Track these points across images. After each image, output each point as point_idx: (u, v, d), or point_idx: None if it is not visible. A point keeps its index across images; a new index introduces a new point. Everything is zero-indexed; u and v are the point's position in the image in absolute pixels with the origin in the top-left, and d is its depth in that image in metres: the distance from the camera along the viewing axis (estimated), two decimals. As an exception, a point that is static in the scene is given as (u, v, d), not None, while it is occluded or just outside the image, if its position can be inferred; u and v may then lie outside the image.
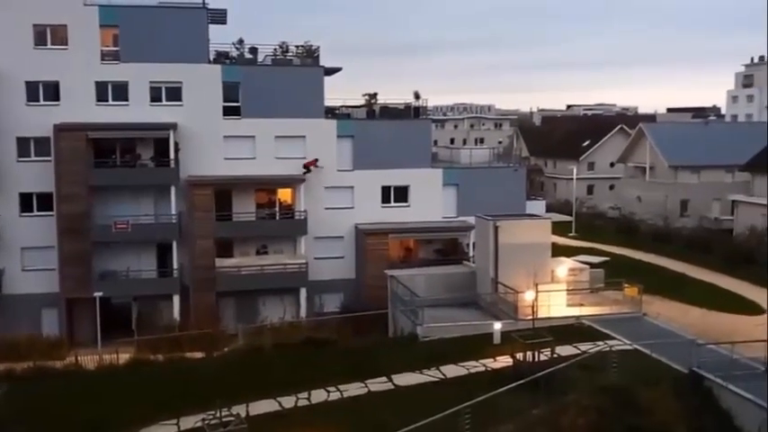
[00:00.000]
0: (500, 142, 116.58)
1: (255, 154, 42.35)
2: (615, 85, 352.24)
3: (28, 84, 40.09)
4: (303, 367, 26.54)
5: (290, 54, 45.58)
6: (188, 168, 41.09)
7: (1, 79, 39.30)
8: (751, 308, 42.42)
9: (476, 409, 20.45)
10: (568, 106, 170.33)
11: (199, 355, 31.27)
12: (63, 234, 39.70)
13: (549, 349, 25.13)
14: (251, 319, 39.00)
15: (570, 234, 66.86)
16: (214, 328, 36.33)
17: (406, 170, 43.96)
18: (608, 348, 26.89)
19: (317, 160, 42.64)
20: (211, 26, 42.55)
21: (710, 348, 25.69)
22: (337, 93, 48.90)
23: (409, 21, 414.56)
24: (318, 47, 45.66)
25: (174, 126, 40.65)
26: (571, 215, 69.85)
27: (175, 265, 40.73)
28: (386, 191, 44.26)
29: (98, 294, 36.42)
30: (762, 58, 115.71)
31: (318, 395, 24.00)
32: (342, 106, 46.80)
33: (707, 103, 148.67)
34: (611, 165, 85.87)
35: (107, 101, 40.90)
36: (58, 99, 40.37)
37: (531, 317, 30.08)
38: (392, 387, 24.76)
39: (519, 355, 25.00)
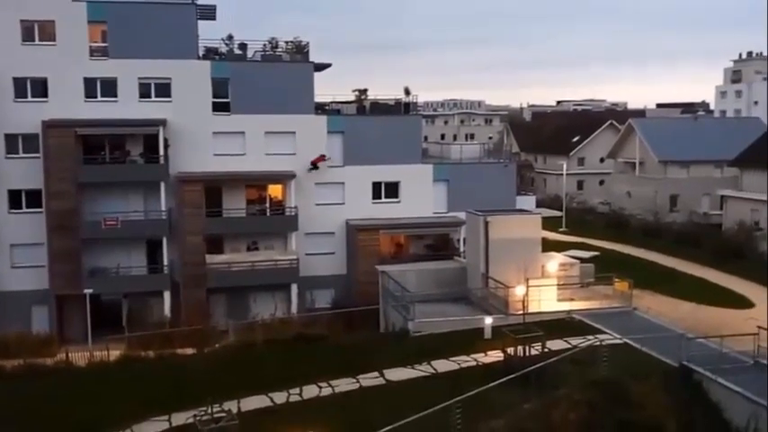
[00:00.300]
0: (490, 138, 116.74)
1: (245, 150, 42.22)
2: (604, 82, 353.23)
3: (16, 80, 39.83)
4: (294, 363, 26.50)
5: (280, 50, 45.37)
6: (177, 165, 40.94)
7: (-12, 75, 39.10)
8: (740, 302, 42.61)
9: (467, 404, 20.50)
10: (558, 102, 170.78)
11: (190, 351, 31.18)
12: (52, 231, 39.50)
13: (539, 344, 25.22)
14: (242, 315, 38.93)
15: (560, 229, 67.02)
16: (205, 325, 36.25)
17: (397, 166, 43.95)
18: (598, 343, 26.99)
19: (324, 156, 42.57)
20: (200, 22, 42.37)
21: (700, 342, 25.85)
22: (327, 89, 48.87)
23: (398, 18, 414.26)
24: (308, 43, 45.61)
25: (163, 122, 40.49)
26: (561, 210, 69.97)
27: (165, 262, 40.60)
28: (376, 187, 44.23)
29: (88, 291, 36.32)
30: (750, 54, 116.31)
31: (310, 391, 23.99)
32: (332, 102, 46.73)
33: (696, 99, 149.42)
34: (601, 160, 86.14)
35: (96, 97, 40.68)
36: (46, 95, 40.13)
37: (521, 312, 30.19)
38: (384, 382, 24.79)
39: (510, 350, 25.07)
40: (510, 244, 32.68)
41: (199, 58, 42.33)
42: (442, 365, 25.92)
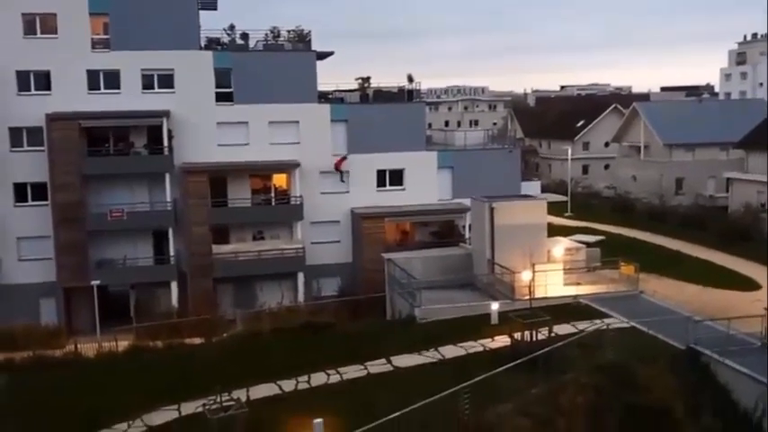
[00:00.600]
0: (494, 124, 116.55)
1: (249, 140, 42.20)
2: (608, 66, 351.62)
3: (19, 73, 39.81)
4: (302, 351, 26.60)
5: (282, 39, 45.26)
6: (182, 155, 40.96)
7: (-8, 69, 39.12)
8: (746, 284, 42.56)
9: (475, 389, 20.55)
10: (562, 87, 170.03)
11: (198, 341, 31.37)
12: (58, 223, 39.61)
13: (546, 328, 25.27)
14: (249, 304, 39.03)
15: (566, 214, 66.99)
16: (212, 314, 36.42)
17: (401, 153, 43.88)
18: (605, 326, 27.05)
19: (345, 157, 42.74)
20: (201, 12, 42.26)
21: (707, 324, 25.88)
22: (330, 77, 48.77)
23: (400, 6, 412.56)
24: (310, 31, 45.46)
25: (166, 113, 40.48)
26: (566, 195, 69.94)
27: (172, 252, 40.70)
28: (381, 174, 44.20)
29: (95, 283, 36.34)
30: (754, 35, 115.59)
31: (318, 378, 24.11)
32: (335, 91, 46.65)
33: (700, 82, 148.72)
34: (606, 144, 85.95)
35: (99, 89, 40.65)
36: (49, 88, 40.12)
37: (528, 297, 30.20)
38: (391, 369, 24.90)
39: (517, 335, 25.12)
40: (515, 230, 32.65)
41: (201, 48, 42.25)
42: (450, 351, 25.99)
